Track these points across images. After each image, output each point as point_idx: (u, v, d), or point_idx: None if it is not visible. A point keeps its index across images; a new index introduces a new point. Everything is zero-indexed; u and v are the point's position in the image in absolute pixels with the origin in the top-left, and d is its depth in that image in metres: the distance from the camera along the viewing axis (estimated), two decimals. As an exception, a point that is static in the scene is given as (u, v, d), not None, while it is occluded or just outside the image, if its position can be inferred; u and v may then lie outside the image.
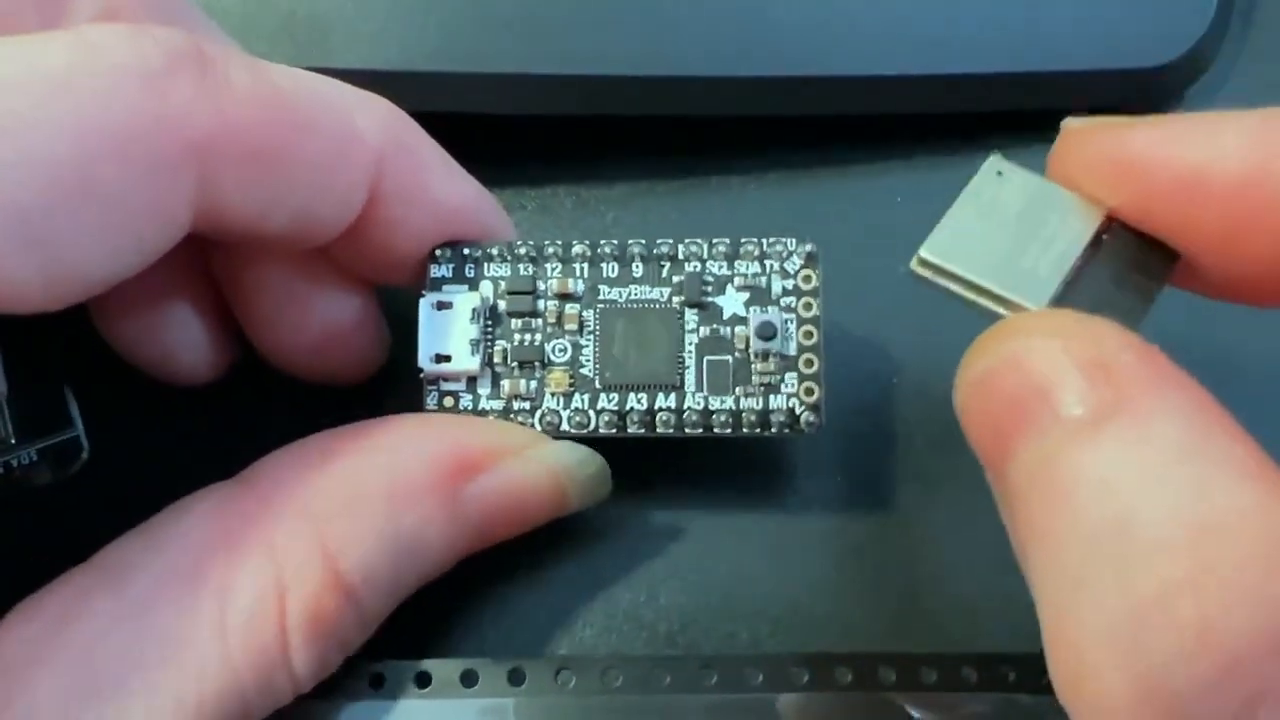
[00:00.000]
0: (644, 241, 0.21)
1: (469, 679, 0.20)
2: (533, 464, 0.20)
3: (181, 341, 0.22)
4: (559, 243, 0.21)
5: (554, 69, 0.24)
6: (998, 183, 0.18)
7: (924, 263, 0.18)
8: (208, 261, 0.22)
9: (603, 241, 0.21)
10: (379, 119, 0.20)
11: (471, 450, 0.20)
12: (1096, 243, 0.18)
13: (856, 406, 0.24)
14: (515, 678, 0.20)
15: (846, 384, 0.23)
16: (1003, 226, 0.18)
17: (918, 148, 0.26)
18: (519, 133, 0.25)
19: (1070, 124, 0.18)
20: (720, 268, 0.21)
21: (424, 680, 0.20)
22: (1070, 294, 0.17)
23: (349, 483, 0.19)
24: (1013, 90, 0.25)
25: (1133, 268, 0.18)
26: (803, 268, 0.21)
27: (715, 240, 0.21)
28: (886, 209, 0.26)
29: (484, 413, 0.21)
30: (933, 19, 0.25)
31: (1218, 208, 0.16)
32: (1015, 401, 0.15)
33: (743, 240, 0.21)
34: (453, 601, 0.22)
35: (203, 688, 0.17)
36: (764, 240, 0.21)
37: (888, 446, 0.24)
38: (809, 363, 0.20)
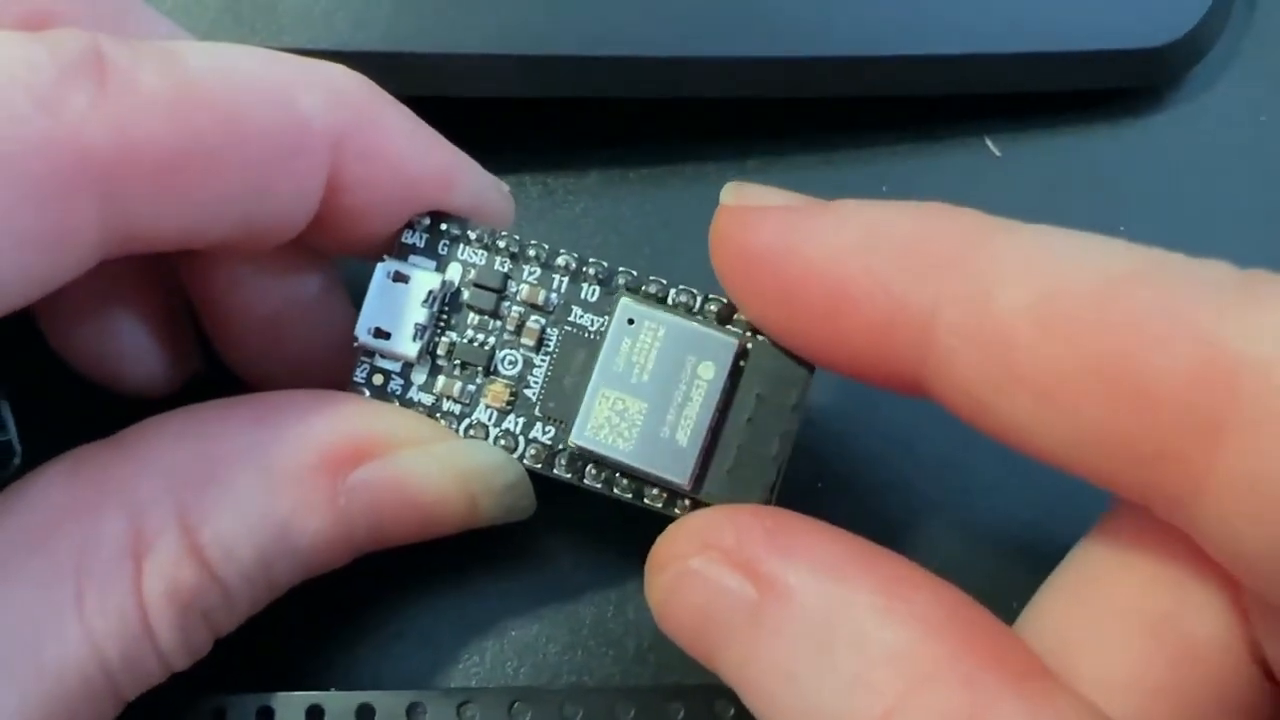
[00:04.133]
0: (634, 273, 0.19)
1: (414, 712, 0.19)
2: (435, 461, 0.19)
3: (131, 352, 0.21)
4: (544, 246, 0.19)
5: (517, 49, 0.23)
6: (632, 333, 0.18)
7: (580, 449, 0.18)
8: (161, 265, 0.20)
9: (591, 260, 0.19)
10: (329, 95, 0.18)
11: (367, 436, 0.18)
12: (736, 373, 0.18)
13: (839, 421, 0.23)
14: (464, 712, 0.19)
15: (830, 395, 0.23)
16: (645, 387, 0.18)
17: (903, 134, 0.26)
18: (481, 117, 0.24)
19: (724, 197, 0.18)
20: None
21: (365, 714, 0.19)
22: (713, 454, 0.18)
23: (219, 452, 0.18)
24: (1008, 72, 0.25)
25: (773, 392, 0.18)
26: None
27: (711, 296, 0.19)
28: (871, 198, 0.25)
29: (409, 404, 0.19)
30: (924, -3, 0.24)
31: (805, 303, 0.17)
32: (695, 617, 0.17)
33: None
34: (401, 614, 0.21)
35: (63, 660, 0.16)
36: None
37: (871, 459, 0.23)
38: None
